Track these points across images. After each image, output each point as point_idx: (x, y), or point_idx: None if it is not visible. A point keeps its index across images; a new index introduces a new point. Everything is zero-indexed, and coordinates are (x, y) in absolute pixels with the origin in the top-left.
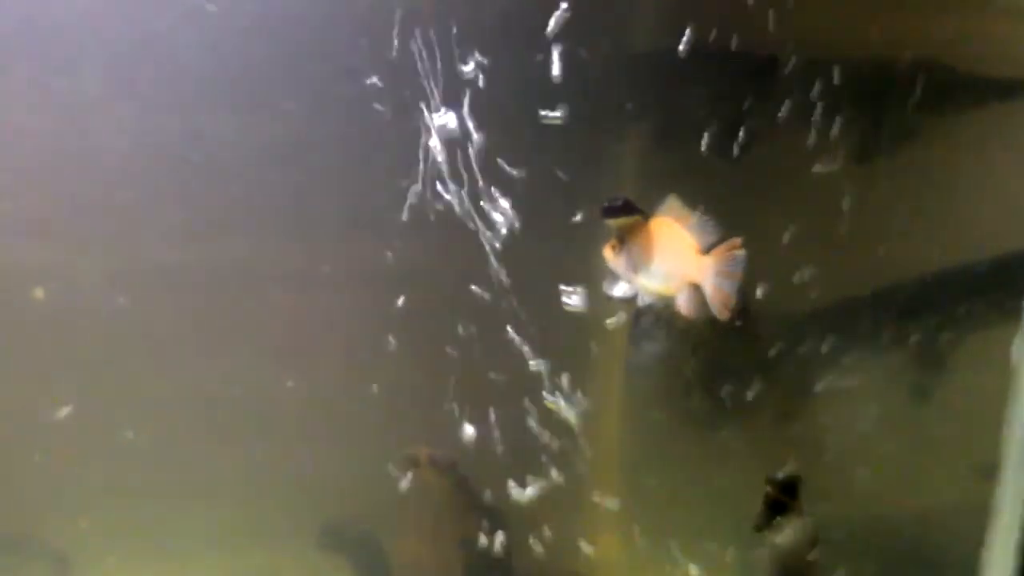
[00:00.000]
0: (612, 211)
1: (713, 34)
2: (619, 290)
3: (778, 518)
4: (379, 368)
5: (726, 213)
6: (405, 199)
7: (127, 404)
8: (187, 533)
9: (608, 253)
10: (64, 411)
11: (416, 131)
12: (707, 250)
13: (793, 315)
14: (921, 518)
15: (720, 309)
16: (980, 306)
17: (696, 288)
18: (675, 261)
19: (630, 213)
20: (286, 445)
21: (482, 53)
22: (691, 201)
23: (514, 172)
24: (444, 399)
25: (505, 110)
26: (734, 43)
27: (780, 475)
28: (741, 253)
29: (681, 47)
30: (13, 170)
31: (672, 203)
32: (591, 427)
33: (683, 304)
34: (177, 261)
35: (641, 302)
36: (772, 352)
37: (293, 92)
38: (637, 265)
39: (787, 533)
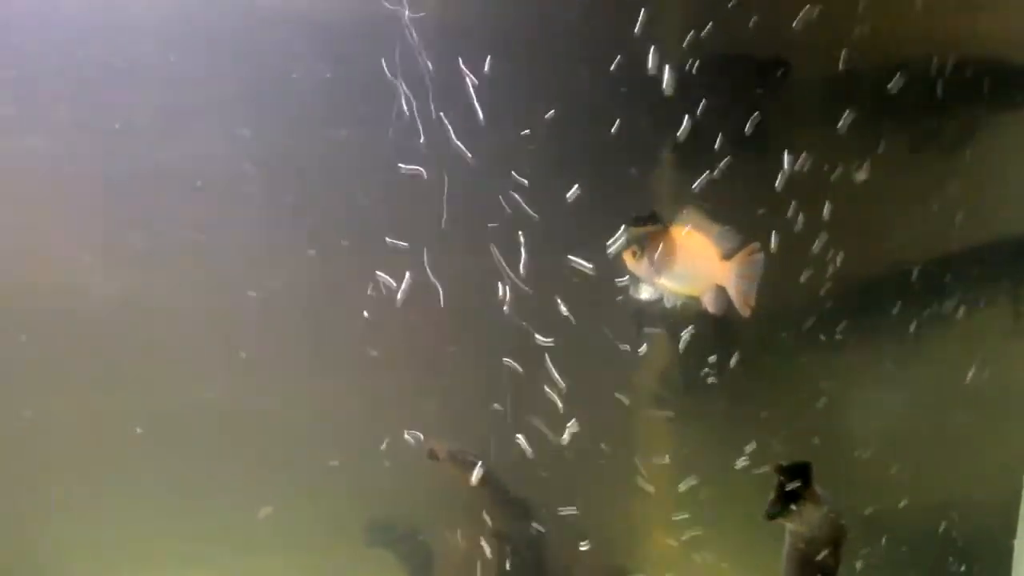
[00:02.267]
0: (639, 221)
1: (744, 39)
2: (645, 293)
3: (792, 506)
4: (427, 370)
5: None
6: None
7: (187, 409)
8: (237, 534)
9: (628, 258)
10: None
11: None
12: (728, 255)
13: (818, 307)
14: (950, 511)
15: (743, 307)
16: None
17: (721, 289)
18: (699, 265)
19: (654, 223)
20: (333, 447)
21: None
22: (722, 201)
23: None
24: (484, 399)
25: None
26: (764, 47)
27: (788, 462)
28: (759, 256)
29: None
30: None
31: (692, 214)
32: (619, 418)
33: (710, 303)
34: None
35: (668, 303)
36: (796, 344)
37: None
38: (660, 269)
39: (802, 520)
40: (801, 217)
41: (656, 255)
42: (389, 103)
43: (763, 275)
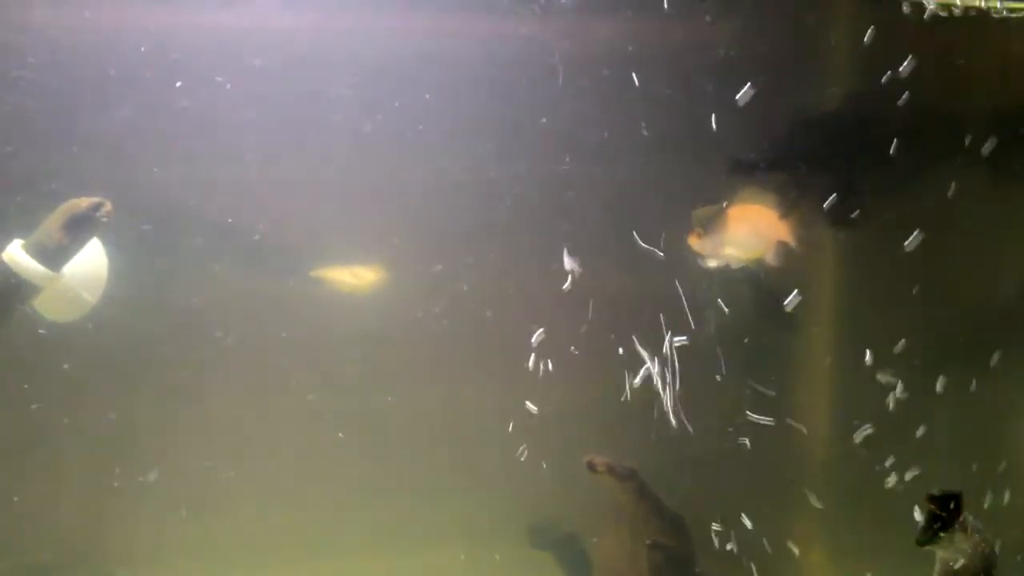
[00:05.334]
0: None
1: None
2: (712, 263)
3: (942, 534)
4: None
5: None
6: None
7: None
8: (409, 531)
9: (693, 240)
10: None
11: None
12: (785, 215)
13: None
14: None
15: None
16: None
17: (782, 244)
18: (760, 229)
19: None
20: (504, 453)
21: None
22: None
23: None
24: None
25: None
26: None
27: (938, 490)
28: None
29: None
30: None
31: (748, 193)
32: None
33: (773, 258)
34: None
35: (735, 267)
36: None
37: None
38: (725, 242)
39: (953, 548)
40: None
41: (721, 230)
42: None
43: None
